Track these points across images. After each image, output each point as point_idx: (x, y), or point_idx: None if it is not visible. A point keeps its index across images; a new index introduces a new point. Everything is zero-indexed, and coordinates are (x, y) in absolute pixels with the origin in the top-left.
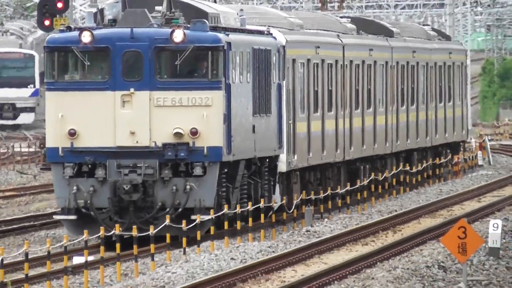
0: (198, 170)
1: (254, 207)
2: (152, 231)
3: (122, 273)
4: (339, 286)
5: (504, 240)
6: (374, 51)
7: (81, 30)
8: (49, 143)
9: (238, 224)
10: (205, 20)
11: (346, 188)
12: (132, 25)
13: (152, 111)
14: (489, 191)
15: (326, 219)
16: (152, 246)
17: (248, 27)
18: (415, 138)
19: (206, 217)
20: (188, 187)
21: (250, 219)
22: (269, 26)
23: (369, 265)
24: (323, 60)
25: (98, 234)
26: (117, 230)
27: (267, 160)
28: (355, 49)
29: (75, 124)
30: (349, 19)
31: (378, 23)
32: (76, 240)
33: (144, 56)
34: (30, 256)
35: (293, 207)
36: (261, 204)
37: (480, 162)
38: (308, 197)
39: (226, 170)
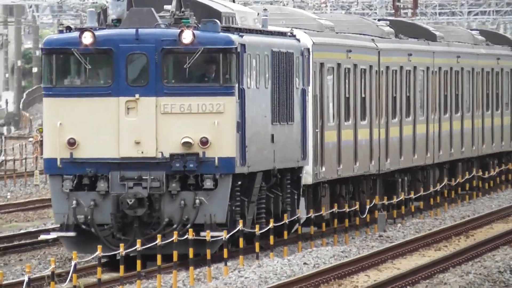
0: (208, 183)
1: (275, 224)
2: (159, 241)
3: (195, 277)
4: None
5: None
6: (413, 56)
7: (82, 30)
8: (47, 154)
9: (257, 246)
10: (216, 20)
11: (419, 194)
12: (137, 25)
13: (159, 119)
14: None
15: (399, 224)
16: (225, 251)
17: (270, 28)
18: (460, 147)
19: (218, 234)
20: (197, 201)
21: (272, 237)
22: (295, 27)
23: (441, 270)
24: (355, 65)
25: (102, 253)
26: (121, 249)
27: (290, 172)
28: (392, 54)
29: (75, 133)
30: (388, 22)
31: (420, 26)
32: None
33: (150, 59)
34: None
35: (366, 212)
36: (285, 221)
37: None
38: (342, 210)
39: (240, 182)
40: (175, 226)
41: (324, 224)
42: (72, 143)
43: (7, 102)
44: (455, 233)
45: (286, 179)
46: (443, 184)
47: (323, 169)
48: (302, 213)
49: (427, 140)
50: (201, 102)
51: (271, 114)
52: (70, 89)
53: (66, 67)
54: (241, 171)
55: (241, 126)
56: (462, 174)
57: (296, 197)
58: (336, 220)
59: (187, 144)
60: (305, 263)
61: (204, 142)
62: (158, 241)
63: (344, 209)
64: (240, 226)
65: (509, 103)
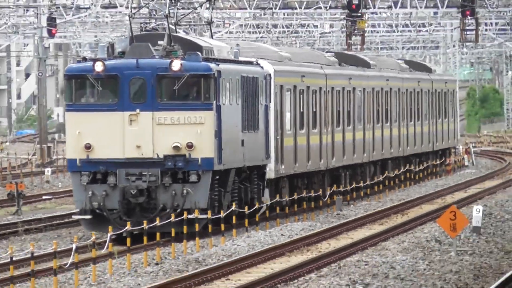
0: (193, 177)
1: (245, 208)
2: (158, 222)
3: (200, 245)
4: (362, 255)
5: (484, 221)
6: (352, 79)
7: (95, 60)
8: (69, 155)
9: (246, 222)
10: (198, 53)
11: (368, 182)
12: (137, 56)
13: (155, 128)
14: (472, 185)
15: (351, 205)
16: (222, 226)
17: (241, 58)
18: (389, 149)
19: (202, 217)
20: (185, 191)
21: (234, 217)
22: (261, 58)
23: (383, 239)
24: (308, 87)
25: (122, 230)
26: (128, 226)
27: (256, 169)
28: (336, 78)
29: (90, 139)
30: (333, 54)
31: (358, 56)
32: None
33: (147, 82)
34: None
35: (327, 196)
36: (256, 206)
37: (466, 163)
38: (309, 195)
39: (217, 177)
40: (168, 210)
41: (287, 208)
42: (88, 147)
43: (58, 115)
44: (394, 212)
45: (254, 174)
46: (384, 176)
47: (283, 166)
48: (266, 200)
49: (363, 143)
50: (187, 115)
51: (241, 124)
52: (86, 106)
53: (83, 89)
54: (218, 168)
55: (218, 134)
56: (392, 170)
57: (261, 188)
58: (296, 205)
59: (176, 148)
60: (282, 234)
61: (190, 146)
62: (157, 222)
63: (302, 195)
64: (233, 207)
65: (427, 115)
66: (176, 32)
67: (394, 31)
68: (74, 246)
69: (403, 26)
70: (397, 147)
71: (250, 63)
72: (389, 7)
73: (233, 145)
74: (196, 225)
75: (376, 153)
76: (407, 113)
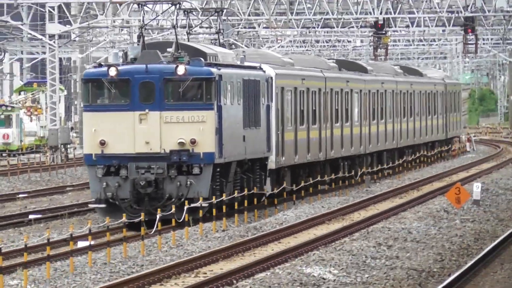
0: (196, 170)
1: (248, 193)
2: (167, 210)
3: (257, 215)
4: (386, 222)
5: (482, 195)
6: (350, 82)
7: (109, 66)
8: (85, 151)
9: (294, 197)
10: (201, 58)
11: (391, 165)
12: (147, 62)
13: (162, 126)
14: (473, 166)
15: (378, 183)
16: (275, 200)
17: (246, 64)
18: (384, 142)
19: (203, 203)
20: (189, 182)
21: (235, 203)
22: (265, 63)
23: (403, 210)
24: (308, 88)
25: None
26: (142, 216)
27: (258, 160)
28: (335, 81)
29: (104, 136)
30: (334, 60)
31: (356, 63)
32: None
33: (155, 85)
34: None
35: (358, 176)
36: (265, 192)
37: (468, 149)
38: (314, 181)
39: (219, 169)
40: (173, 199)
41: (311, 189)
42: (102, 143)
43: None
44: (411, 188)
45: (256, 165)
46: (403, 159)
47: (283, 158)
48: (268, 188)
49: (360, 137)
50: (190, 114)
51: (242, 122)
52: (101, 106)
53: (98, 91)
54: (219, 161)
55: (219, 131)
56: (386, 160)
57: (263, 177)
58: (295, 192)
59: (181, 143)
60: (322, 207)
61: (193, 141)
62: (173, 209)
63: (306, 183)
64: (235, 194)
65: (419, 113)
66: (189, 41)
67: (411, 45)
68: (158, 216)
69: (418, 41)
70: (391, 140)
71: (254, 67)
72: (407, 26)
73: (234, 140)
74: (200, 211)
75: (372, 146)
76: (400, 111)
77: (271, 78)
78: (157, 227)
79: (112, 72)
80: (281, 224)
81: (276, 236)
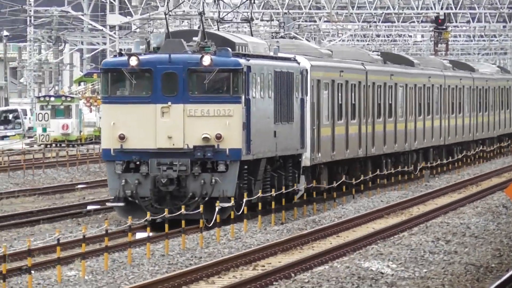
0: (221, 167)
1: (276, 193)
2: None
3: (317, 209)
4: (444, 217)
5: None
6: (394, 75)
7: (130, 55)
8: (104, 145)
9: (353, 191)
10: (228, 48)
11: (448, 160)
12: (170, 51)
13: (185, 120)
14: None
15: (436, 178)
16: (334, 194)
17: (280, 55)
18: (431, 138)
19: (227, 205)
20: (213, 180)
21: (273, 203)
22: (301, 54)
23: (462, 205)
24: (347, 81)
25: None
26: (166, 213)
27: (291, 157)
28: (377, 74)
29: (124, 130)
30: (379, 53)
31: (402, 56)
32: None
33: (179, 76)
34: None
35: (417, 171)
36: (296, 188)
37: None
38: (367, 177)
39: (246, 166)
40: (197, 198)
41: (344, 187)
42: (122, 137)
43: None
44: (470, 183)
45: (288, 162)
46: (463, 154)
47: (319, 154)
48: (301, 187)
49: (405, 133)
50: (216, 108)
51: (273, 116)
52: (120, 98)
53: (118, 82)
54: (247, 158)
55: (246, 125)
56: (433, 157)
57: (296, 175)
58: (335, 190)
59: (206, 139)
60: (381, 201)
61: (219, 137)
62: (200, 209)
63: (342, 180)
64: (259, 194)
65: (469, 109)
66: (219, 30)
67: (471, 41)
68: (217, 208)
69: (478, 37)
70: (438, 137)
71: (287, 59)
72: (468, 21)
73: (264, 136)
74: (232, 212)
75: (418, 143)
76: (448, 106)
77: (306, 70)
78: (200, 224)
79: (133, 61)
80: (339, 218)
81: (334, 230)
